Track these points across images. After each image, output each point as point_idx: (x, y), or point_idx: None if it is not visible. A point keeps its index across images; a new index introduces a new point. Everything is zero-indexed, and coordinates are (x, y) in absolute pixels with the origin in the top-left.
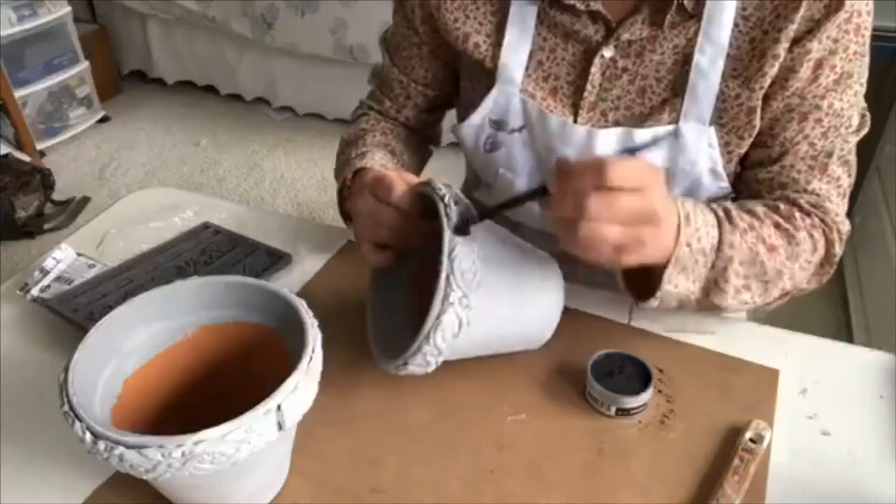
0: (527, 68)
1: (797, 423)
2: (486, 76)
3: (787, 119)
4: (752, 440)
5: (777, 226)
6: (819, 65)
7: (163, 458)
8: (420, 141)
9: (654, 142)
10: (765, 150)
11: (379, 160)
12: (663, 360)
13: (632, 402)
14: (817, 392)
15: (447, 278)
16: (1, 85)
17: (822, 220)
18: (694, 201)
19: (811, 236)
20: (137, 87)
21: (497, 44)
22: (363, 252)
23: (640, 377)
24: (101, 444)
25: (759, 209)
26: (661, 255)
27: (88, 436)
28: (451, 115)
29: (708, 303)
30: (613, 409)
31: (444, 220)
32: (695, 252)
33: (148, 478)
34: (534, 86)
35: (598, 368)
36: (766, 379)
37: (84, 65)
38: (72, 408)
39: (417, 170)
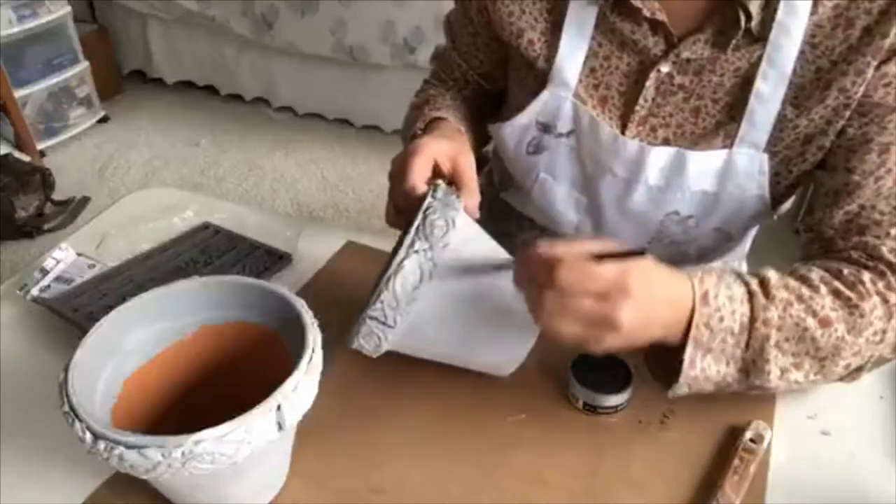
0: (580, 73)
1: (797, 423)
2: (536, 77)
3: (865, 150)
4: (752, 440)
5: (836, 294)
6: None
7: (163, 458)
8: (482, 117)
9: (634, 254)
10: (841, 178)
11: (452, 115)
12: None
13: (606, 401)
14: (817, 392)
15: (416, 229)
16: (1, 85)
17: None
18: (722, 274)
19: (885, 301)
20: (137, 87)
21: (551, 44)
22: (386, 207)
23: (624, 378)
24: (101, 444)
25: (815, 275)
26: (651, 341)
27: (88, 436)
28: None
29: (754, 386)
30: (581, 404)
31: (430, 189)
32: (717, 332)
33: (148, 478)
34: (584, 92)
35: (583, 366)
36: None
37: (84, 65)
38: (72, 408)
39: (480, 140)
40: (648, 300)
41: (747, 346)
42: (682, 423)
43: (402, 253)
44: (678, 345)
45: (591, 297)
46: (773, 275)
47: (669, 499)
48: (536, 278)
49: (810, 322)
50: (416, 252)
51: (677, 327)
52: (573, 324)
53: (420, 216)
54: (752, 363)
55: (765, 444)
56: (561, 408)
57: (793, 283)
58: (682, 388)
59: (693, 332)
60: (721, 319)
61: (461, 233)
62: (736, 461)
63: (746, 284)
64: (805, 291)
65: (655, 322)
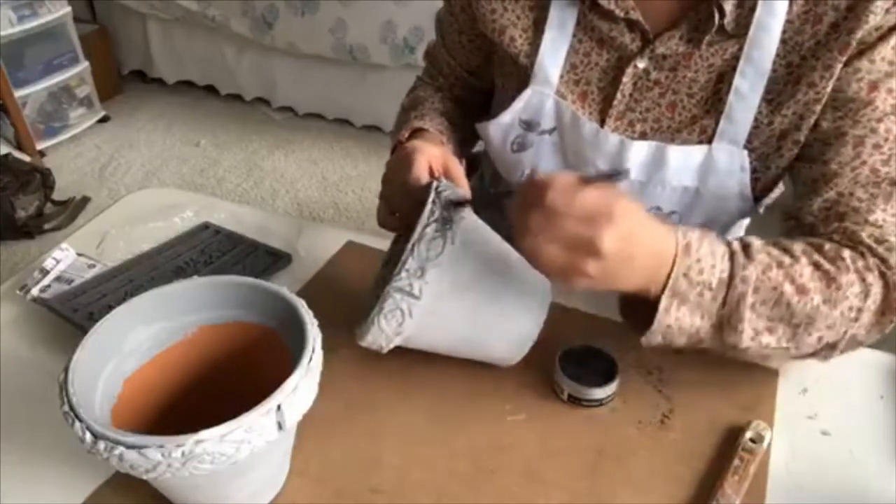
0: (561, 70)
1: (797, 423)
2: (519, 74)
3: (840, 143)
4: (752, 440)
5: (816, 266)
6: (874, 87)
7: (163, 458)
8: (472, 115)
9: (616, 175)
10: (818, 169)
11: (436, 125)
12: (663, 360)
13: (590, 393)
14: (817, 392)
15: (433, 201)
16: (1, 85)
17: (883, 260)
18: (706, 232)
19: (862, 280)
20: (137, 87)
21: (533, 41)
22: (378, 208)
23: (609, 372)
24: (101, 444)
25: (797, 246)
26: (631, 287)
27: (88, 436)
28: None
29: (726, 344)
30: (566, 395)
31: (433, 192)
32: (696, 284)
33: (148, 478)
34: (565, 88)
35: (570, 359)
36: (766, 379)
37: (84, 65)
38: (72, 408)
39: (467, 141)
40: (632, 235)
41: (724, 302)
42: (682, 423)
43: (423, 221)
44: (657, 296)
45: (575, 218)
46: (756, 240)
47: (669, 499)
48: (529, 200)
49: (787, 288)
50: (437, 220)
51: (658, 276)
52: (555, 245)
53: (432, 193)
54: (726, 320)
55: (765, 444)
56: (561, 408)
57: (775, 250)
58: (655, 336)
59: (671, 282)
60: (700, 272)
61: (471, 214)
62: (736, 461)
63: (729, 244)
64: (786, 259)
65: (637, 263)
